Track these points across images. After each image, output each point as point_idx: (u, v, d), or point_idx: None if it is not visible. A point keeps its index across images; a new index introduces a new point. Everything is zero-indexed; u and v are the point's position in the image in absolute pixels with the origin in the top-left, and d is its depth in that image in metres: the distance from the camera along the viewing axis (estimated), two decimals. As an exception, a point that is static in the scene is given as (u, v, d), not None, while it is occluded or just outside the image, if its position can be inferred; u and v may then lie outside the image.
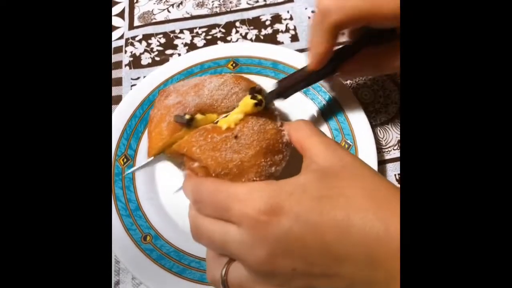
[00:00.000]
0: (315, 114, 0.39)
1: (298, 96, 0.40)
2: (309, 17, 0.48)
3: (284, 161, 0.29)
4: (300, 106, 0.39)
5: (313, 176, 0.24)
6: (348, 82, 0.43)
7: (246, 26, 0.48)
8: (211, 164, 0.27)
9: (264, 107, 0.30)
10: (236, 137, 0.27)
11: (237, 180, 0.27)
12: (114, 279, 0.34)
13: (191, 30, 0.49)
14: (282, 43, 0.47)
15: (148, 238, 0.34)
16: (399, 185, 0.33)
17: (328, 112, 0.39)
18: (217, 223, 0.24)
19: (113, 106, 0.43)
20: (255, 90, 0.30)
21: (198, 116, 0.29)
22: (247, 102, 0.29)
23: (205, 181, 0.26)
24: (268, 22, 0.48)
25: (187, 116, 0.29)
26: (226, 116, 0.30)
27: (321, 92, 0.39)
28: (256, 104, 0.29)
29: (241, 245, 0.23)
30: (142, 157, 0.38)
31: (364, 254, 0.21)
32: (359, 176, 0.24)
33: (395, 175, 0.37)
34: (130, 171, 0.36)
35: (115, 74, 0.46)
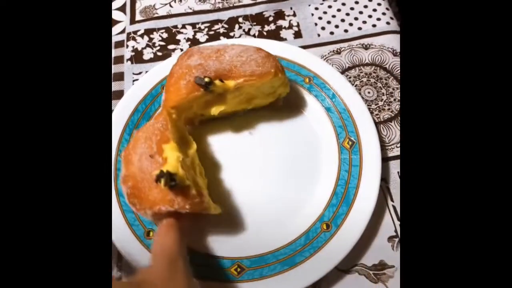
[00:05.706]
0: (319, 111, 0.39)
1: (302, 93, 0.40)
2: (312, 14, 0.48)
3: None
4: (304, 104, 0.39)
5: None
6: (352, 79, 0.43)
7: (249, 22, 0.48)
8: None
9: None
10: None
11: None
12: (116, 274, 0.34)
13: (193, 25, 0.48)
14: (285, 39, 0.46)
15: (151, 233, 0.33)
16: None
17: (331, 109, 0.39)
18: None
19: (114, 101, 0.43)
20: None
21: (217, 82, 0.32)
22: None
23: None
24: (271, 18, 0.48)
25: (206, 79, 0.32)
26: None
27: (325, 89, 0.39)
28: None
29: None
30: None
31: None
32: None
33: (397, 172, 0.37)
34: None
35: (116, 68, 0.45)
